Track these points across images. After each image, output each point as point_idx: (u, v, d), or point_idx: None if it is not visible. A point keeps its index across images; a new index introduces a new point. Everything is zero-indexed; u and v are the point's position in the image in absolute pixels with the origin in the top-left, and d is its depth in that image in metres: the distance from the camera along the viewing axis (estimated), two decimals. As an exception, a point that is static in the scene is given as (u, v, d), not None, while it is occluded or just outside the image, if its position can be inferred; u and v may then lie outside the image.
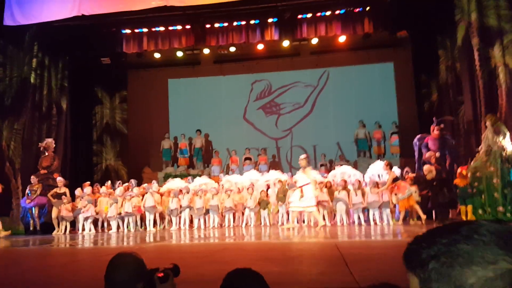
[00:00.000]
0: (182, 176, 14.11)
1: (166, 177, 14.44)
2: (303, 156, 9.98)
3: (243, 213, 11.80)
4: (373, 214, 10.68)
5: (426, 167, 10.56)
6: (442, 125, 11.63)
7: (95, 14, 11.97)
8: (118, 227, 11.66)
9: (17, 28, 12.36)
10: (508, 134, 9.83)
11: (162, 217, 12.22)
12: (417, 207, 10.76)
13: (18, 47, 13.14)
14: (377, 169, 11.94)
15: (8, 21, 12.14)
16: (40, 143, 12.69)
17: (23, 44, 13.18)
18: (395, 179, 10.52)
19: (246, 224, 11.44)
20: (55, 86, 13.85)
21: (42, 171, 12.44)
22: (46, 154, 12.59)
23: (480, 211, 9.58)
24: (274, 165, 16.05)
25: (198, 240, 8.13)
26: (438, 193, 10.15)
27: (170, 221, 11.89)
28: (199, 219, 11.63)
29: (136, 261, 1.74)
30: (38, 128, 13.23)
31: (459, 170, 10.11)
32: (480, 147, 10.25)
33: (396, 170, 11.82)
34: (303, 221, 11.25)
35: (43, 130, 13.31)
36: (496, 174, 9.57)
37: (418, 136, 12.23)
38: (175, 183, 12.77)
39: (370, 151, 15.24)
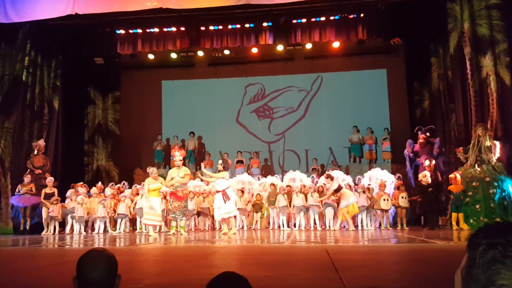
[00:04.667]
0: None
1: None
2: (220, 161, 10.37)
3: (235, 217, 11.76)
4: (361, 219, 10.77)
5: (421, 174, 10.66)
6: (428, 134, 11.81)
7: (90, 14, 11.91)
8: (105, 227, 11.61)
9: (10, 26, 12.26)
10: (496, 144, 9.97)
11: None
12: (403, 214, 10.88)
13: (11, 45, 13.04)
14: (375, 175, 12.02)
15: (0, 18, 12.03)
16: (33, 143, 12.59)
17: (16, 42, 13.08)
18: (337, 190, 10.56)
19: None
20: (47, 85, 13.75)
21: (37, 171, 12.34)
22: (36, 153, 12.48)
23: (471, 221, 9.61)
24: (266, 168, 16.06)
25: (188, 243, 8.10)
26: (434, 199, 10.21)
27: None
28: (189, 222, 11.58)
29: (109, 257, 1.67)
30: (29, 127, 13.12)
31: (452, 176, 10.19)
32: (468, 155, 10.33)
33: (387, 176, 11.91)
34: (294, 225, 11.28)
35: (34, 129, 13.20)
36: (492, 185, 9.64)
37: (407, 144, 12.39)
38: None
39: (362, 156, 15.32)
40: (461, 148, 10.57)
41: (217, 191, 9.93)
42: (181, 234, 9.65)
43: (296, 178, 12.12)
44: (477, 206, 9.59)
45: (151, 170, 10.32)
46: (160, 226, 10.48)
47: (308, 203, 10.96)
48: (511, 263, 0.73)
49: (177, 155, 10.13)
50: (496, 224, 0.82)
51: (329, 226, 10.90)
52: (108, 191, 12.14)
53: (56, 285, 3.77)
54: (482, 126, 10.11)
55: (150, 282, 3.64)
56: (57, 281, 3.92)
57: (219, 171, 9.96)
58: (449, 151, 12.14)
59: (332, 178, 10.94)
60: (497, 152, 9.97)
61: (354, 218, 11.15)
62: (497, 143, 9.99)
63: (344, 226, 10.95)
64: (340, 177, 12.18)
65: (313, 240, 8.09)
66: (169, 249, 7.32)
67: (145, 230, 10.79)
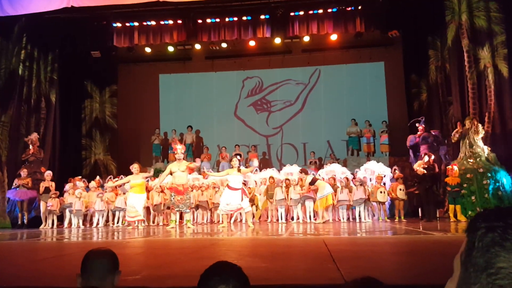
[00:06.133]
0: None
1: (156, 172, 14.36)
2: (238, 157, 10.37)
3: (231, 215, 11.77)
4: (359, 212, 10.80)
5: (416, 164, 10.70)
6: (423, 125, 11.78)
7: (85, 7, 11.84)
8: (107, 221, 11.62)
9: (5, 19, 12.18)
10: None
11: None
12: (401, 206, 10.92)
13: (7, 39, 12.96)
14: (370, 167, 12.03)
15: (-4, 12, 11.96)
16: (25, 138, 12.56)
17: (12, 35, 13.00)
18: (312, 182, 10.59)
19: (235, 220, 11.44)
20: (44, 79, 13.69)
21: (28, 162, 12.34)
22: (31, 147, 12.46)
23: (470, 212, 9.65)
24: (264, 162, 16.07)
25: (186, 236, 8.12)
26: (430, 190, 10.24)
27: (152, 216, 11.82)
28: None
29: (111, 255, 1.85)
30: (26, 121, 13.08)
31: (449, 167, 10.22)
32: (461, 150, 10.36)
33: (382, 168, 11.92)
34: (292, 218, 11.31)
35: (31, 123, 13.16)
36: (485, 176, 9.68)
37: (410, 137, 12.36)
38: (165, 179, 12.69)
39: (360, 149, 15.34)
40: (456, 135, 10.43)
41: (230, 187, 9.76)
42: (188, 227, 9.68)
43: (294, 172, 12.13)
44: (473, 198, 9.65)
45: (133, 166, 10.36)
46: (139, 221, 10.46)
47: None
48: (510, 246, 0.73)
49: (179, 148, 10.09)
50: (495, 208, 0.83)
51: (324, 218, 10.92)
52: (110, 183, 12.11)
53: (55, 278, 3.77)
54: (470, 119, 10.16)
55: (148, 273, 3.65)
56: (55, 273, 3.93)
57: (237, 167, 9.84)
58: (447, 144, 12.16)
59: (306, 173, 11.00)
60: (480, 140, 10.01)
61: (352, 210, 11.20)
62: (481, 134, 10.02)
63: (340, 218, 10.98)
64: (339, 170, 12.20)
65: (311, 232, 8.12)
66: (166, 242, 7.33)
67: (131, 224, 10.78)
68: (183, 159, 10.29)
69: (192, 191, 11.56)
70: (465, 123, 10.24)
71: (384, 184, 11.28)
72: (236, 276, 1.21)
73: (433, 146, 11.59)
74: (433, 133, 11.92)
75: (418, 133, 11.88)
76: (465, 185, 9.85)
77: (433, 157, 10.77)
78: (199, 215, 11.95)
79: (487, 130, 10.42)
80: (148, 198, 11.62)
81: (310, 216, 10.98)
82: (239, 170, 9.83)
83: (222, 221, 10.10)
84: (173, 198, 9.88)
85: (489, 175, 9.68)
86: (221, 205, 10.02)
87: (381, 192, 10.78)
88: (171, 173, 9.92)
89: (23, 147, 12.73)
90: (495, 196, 9.53)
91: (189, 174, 10.99)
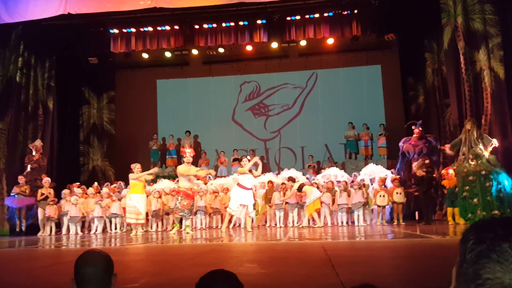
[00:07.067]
0: (170, 177, 14.01)
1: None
2: (249, 156, 10.44)
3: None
4: (358, 215, 10.78)
5: (415, 164, 10.70)
6: (420, 128, 11.79)
7: (83, 14, 11.86)
8: (104, 227, 11.58)
9: (2, 27, 12.19)
10: (494, 142, 9.95)
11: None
12: (400, 209, 10.90)
13: (4, 46, 12.95)
14: (371, 171, 12.03)
15: (-7, 19, 11.96)
16: (30, 144, 12.55)
17: (9, 43, 13.00)
18: (300, 188, 10.64)
19: (234, 225, 11.41)
20: (41, 85, 13.68)
21: (30, 169, 12.33)
22: (34, 154, 12.44)
23: (469, 215, 9.61)
24: (263, 166, 16.02)
25: (185, 241, 8.10)
26: (425, 193, 10.23)
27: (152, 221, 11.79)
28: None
29: (105, 256, 1.73)
30: (24, 128, 13.06)
31: (444, 172, 10.22)
32: (454, 150, 10.35)
33: (384, 171, 11.91)
34: (291, 222, 11.29)
35: (29, 130, 13.14)
36: (488, 178, 9.65)
37: (403, 139, 12.40)
38: (163, 184, 12.69)
39: (357, 152, 15.36)
40: (447, 145, 10.58)
41: (242, 186, 9.73)
42: (187, 233, 9.66)
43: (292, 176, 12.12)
44: (475, 200, 9.59)
45: (135, 165, 10.33)
46: (142, 224, 10.39)
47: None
48: (496, 257, 0.74)
49: (188, 152, 10.02)
50: (489, 219, 0.84)
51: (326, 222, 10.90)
52: (105, 190, 12.10)
53: (53, 286, 3.76)
54: (471, 121, 10.16)
55: (147, 281, 3.64)
56: (54, 281, 3.91)
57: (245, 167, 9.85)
58: (440, 149, 12.16)
59: (294, 181, 11.03)
60: (490, 147, 9.96)
61: (351, 214, 11.18)
62: (495, 140, 9.96)
63: (338, 222, 10.95)
64: (339, 174, 12.20)
65: (309, 237, 8.11)
66: (165, 248, 7.32)
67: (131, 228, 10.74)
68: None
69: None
70: (465, 124, 10.22)
71: (386, 186, 11.27)
72: (230, 285, 1.21)
73: (427, 153, 11.59)
74: (429, 138, 11.93)
75: (414, 135, 11.88)
76: (467, 188, 9.77)
77: (427, 161, 10.79)
78: (198, 220, 11.91)
79: (483, 132, 10.42)
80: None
81: (308, 220, 10.97)
82: (250, 171, 9.86)
83: (223, 224, 10.07)
84: (179, 203, 9.78)
85: (491, 177, 9.63)
86: (232, 203, 9.79)
87: (380, 196, 10.76)
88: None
89: (21, 154, 12.71)
90: (497, 198, 9.50)
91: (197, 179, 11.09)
